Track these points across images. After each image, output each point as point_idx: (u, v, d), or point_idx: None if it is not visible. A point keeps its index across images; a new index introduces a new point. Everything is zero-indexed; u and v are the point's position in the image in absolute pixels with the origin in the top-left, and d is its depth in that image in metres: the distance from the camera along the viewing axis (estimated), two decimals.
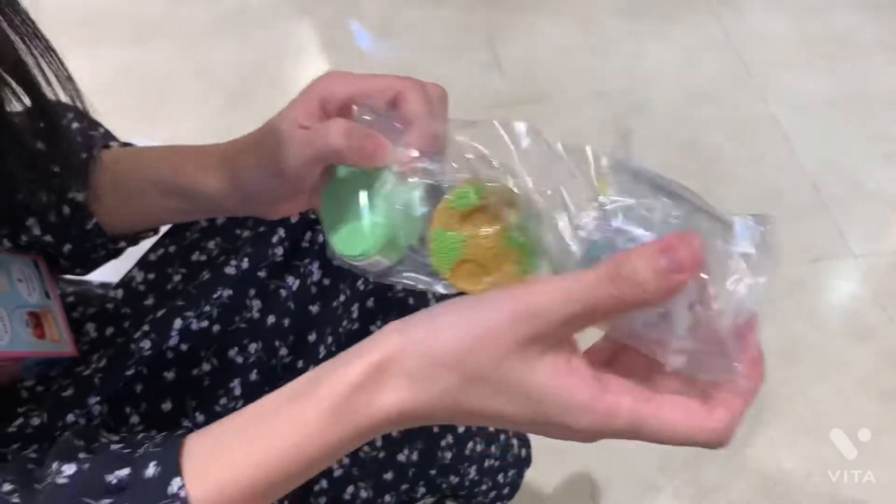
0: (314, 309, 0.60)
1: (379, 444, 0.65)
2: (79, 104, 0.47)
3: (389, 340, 0.36)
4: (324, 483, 0.64)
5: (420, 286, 0.42)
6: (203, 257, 0.61)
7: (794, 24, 1.71)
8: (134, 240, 0.63)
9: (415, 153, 0.42)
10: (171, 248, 0.62)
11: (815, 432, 1.12)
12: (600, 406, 0.34)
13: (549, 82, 1.61)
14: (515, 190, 0.37)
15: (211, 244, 0.61)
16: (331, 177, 0.47)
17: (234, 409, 0.58)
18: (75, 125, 0.59)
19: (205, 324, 0.57)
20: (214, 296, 0.58)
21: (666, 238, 0.32)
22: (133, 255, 0.64)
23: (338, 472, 0.65)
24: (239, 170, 0.51)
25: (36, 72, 0.43)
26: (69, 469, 0.38)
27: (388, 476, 0.66)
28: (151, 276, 0.61)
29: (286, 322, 0.59)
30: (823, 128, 1.52)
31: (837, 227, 1.36)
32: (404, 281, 0.42)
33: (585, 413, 0.34)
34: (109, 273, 0.66)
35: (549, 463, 1.08)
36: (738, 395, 0.34)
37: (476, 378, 0.35)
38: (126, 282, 0.62)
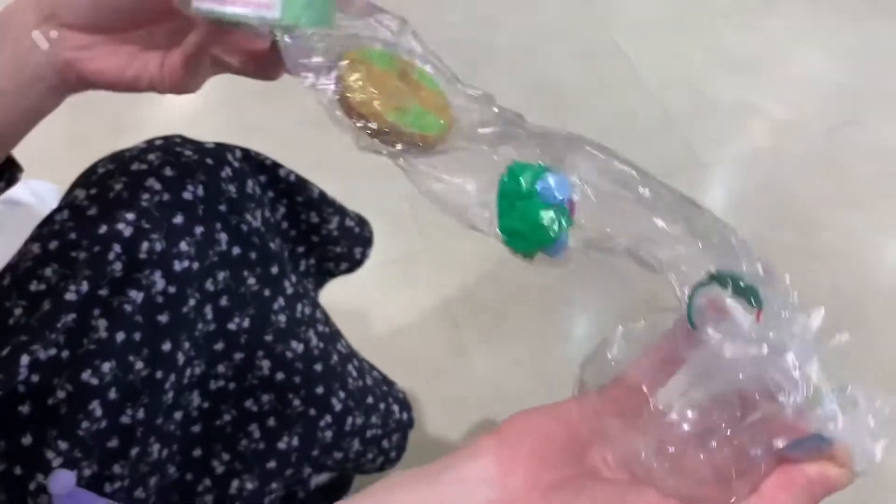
0: (163, 318, 0.60)
1: (257, 435, 0.67)
2: None
3: None
4: (207, 482, 0.65)
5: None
6: (42, 286, 0.60)
7: None
8: None
9: None
10: (6, 281, 0.61)
11: None
12: None
13: None
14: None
15: (48, 271, 0.60)
16: None
17: (98, 432, 0.58)
18: None
19: (53, 352, 0.56)
20: (58, 324, 0.57)
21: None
22: None
23: (220, 469, 0.66)
24: None
25: None
26: None
27: (272, 465, 0.67)
28: None
29: (137, 336, 0.59)
30: (662, 46, 1.58)
31: (685, 140, 1.43)
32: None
33: None
34: None
35: (449, 415, 1.11)
36: None
37: None
38: None
